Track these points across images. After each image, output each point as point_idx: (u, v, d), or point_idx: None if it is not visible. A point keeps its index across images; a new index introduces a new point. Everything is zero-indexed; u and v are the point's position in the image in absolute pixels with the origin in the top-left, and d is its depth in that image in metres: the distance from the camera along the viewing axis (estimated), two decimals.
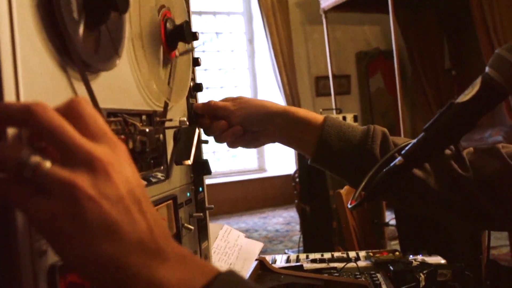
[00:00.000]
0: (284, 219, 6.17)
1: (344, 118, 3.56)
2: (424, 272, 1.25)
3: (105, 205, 0.40)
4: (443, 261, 1.42)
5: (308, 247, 3.41)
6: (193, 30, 0.87)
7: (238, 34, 7.42)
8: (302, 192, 3.47)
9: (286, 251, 4.13)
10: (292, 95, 6.80)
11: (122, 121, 0.61)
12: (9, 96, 0.43)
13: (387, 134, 0.88)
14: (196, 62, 0.90)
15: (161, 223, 0.44)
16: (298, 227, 4.87)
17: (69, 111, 0.42)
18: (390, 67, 5.42)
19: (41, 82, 0.47)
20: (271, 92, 7.08)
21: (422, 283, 1.24)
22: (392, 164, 0.74)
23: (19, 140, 0.41)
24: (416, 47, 6.77)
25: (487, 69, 0.70)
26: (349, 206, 0.77)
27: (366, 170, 0.80)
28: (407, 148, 0.75)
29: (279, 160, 6.88)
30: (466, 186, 0.81)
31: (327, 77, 6.00)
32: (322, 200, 3.16)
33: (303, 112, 0.93)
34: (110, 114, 0.60)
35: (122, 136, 0.57)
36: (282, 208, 6.66)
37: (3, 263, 0.42)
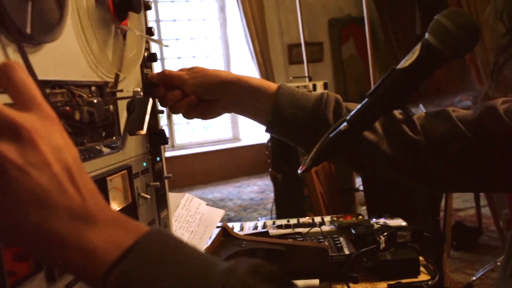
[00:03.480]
0: (259, 188, 6.23)
1: (314, 86, 3.58)
2: (384, 234, 1.30)
3: (33, 173, 0.40)
4: (404, 223, 1.47)
5: (280, 215, 3.46)
6: None
7: (209, 2, 7.31)
8: (273, 160, 3.50)
9: (259, 218, 4.19)
10: (265, 63, 6.77)
11: (69, 92, 0.61)
12: None
13: (340, 100, 0.90)
14: (149, 31, 0.89)
15: (92, 189, 0.45)
16: (272, 195, 4.92)
17: (0, 75, 0.42)
18: (362, 34, 5.42)
19: None
20: (244, 61, 7.04)
21: (382, 245, 1.28)
22: (337, 130, 0.76)
23: None
24: (387, 13, 6.78)
25: (426, 35, 0.71)
26: (299, 171, 0.79)
27: (320, 136, 0.81)
28: (351, 113, 0.76)
29: (253, 129, 6.90)
30: (416, 148, 0.84)
31: (300, 45, 5.98)
32: (293, 167, 3.20)
33: (256, 80, 0.94)
34: (56, 86, 0.60)
35: (68, 108, 0.58)
36: (256, 176, 6.72)
37: None
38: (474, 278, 2.79)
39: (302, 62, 5.95)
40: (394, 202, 2.04)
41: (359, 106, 0.76)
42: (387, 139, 0.84)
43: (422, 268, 1.27)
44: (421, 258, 1.28)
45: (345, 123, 0.75)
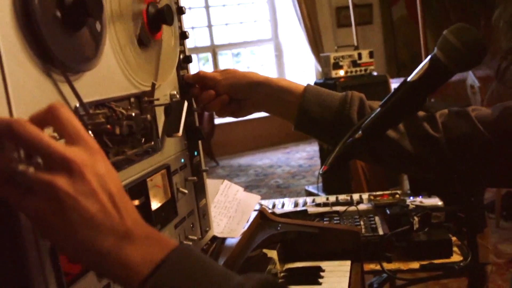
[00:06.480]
0: (308, 154, 6.28)
1: (360, 54, 3.54)
2: (418, 214, 1.33)
3: (81, 199, 0.48)
4: (440, 202, 1.49)
5: (327, 185, 3.52)
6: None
7: None
8: None
9: (306, 187, 4.25)
10: (312, 27, 6.69)
11: (110, 109, 0.69)
12: (2, 108, 0.51)
13: (364, 99, 0.94)
14: (184, 35, 0.95)
15: (131, 209, 0.53)
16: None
17: (48, 116, 0.50)
18: None
19: (28, 91, 0.54)
20: (291, 26, 6.98)
21: (416, 226, 1.32)
22: (351, 138, 0.81)
23: (14, 151, 0.49)
24: None
25: (435, 49, 0.75)
26: (321, 172, 0.85)
27: (344, 135, 0.86)
28: (365, 122, 0.81)
29: None
30: (436, 145, 0.87)
31: (348, 7, 5.85)
32: None
33: (284, 81, 0.99)
34: (99, 105, 0.67)
35: (108, 126, 0.65)
36: (305, 142, 6.76)
37: (12, 244, 0.51)
38: None
39: (350, 25, 5.83)
40: (432, 179, 2.03)
41: (372, 115, 0.81)
42: (408, 137, 0.89)
43: (456, 248, 1.31)
44: (454, 238, 1.31)
45: (359, 132, 0.80)
